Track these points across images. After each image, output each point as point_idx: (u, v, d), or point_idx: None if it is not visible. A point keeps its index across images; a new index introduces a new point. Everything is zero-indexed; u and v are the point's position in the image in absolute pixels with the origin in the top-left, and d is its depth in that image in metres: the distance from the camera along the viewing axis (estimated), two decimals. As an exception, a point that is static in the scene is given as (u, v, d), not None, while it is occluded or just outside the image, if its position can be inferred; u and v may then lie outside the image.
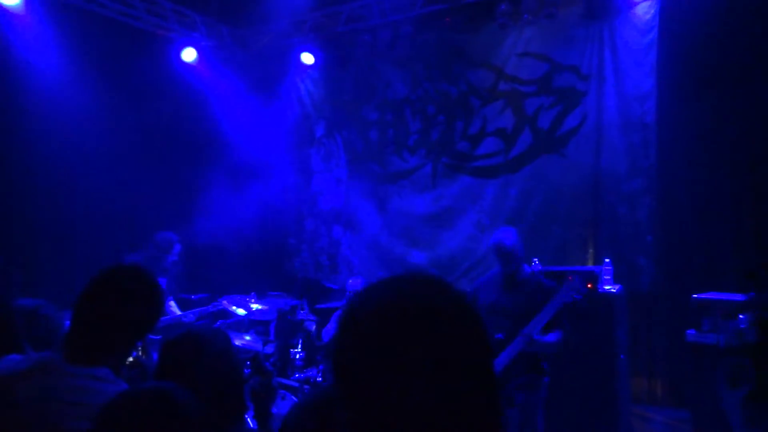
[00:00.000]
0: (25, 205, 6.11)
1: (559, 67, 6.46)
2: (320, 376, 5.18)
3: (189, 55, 7.30)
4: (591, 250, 6.16)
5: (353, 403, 0.88)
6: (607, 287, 4.97)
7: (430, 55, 7.24)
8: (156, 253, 5.38)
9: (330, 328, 5.45)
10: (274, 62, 8.09)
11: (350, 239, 7.90)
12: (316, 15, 7.42)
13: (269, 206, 7.81)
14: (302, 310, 5.82)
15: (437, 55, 7.20)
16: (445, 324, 0.88)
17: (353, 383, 0.88)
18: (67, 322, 1.89)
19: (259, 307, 5.44)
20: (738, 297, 4.42)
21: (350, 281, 5.79)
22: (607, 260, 5.17)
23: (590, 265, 5.90)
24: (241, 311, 5.38)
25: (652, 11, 5.88)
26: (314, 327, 5.70)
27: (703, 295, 4.67)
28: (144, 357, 2.57)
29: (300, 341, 5.49)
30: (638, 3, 5.98)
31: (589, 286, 4.79)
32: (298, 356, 5.37)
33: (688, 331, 4.64)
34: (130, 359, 2.52)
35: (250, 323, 6.05)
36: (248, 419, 2.36)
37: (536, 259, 5.19)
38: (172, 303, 5.57)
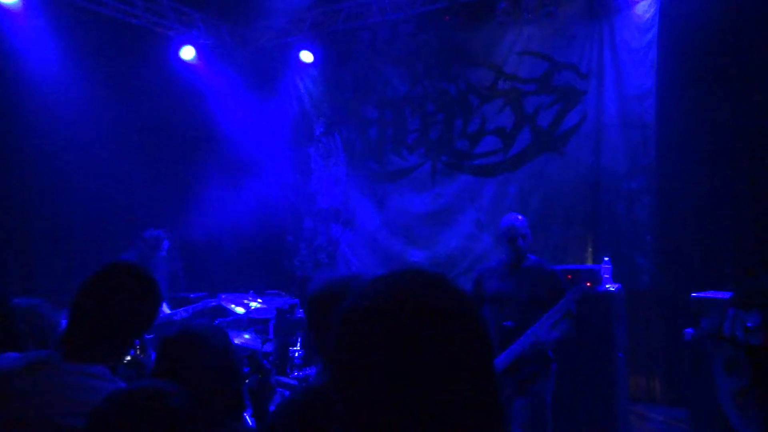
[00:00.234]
0: (22, 203, 6.09)
1: (559, 66, 6.46)
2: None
3: (188, 53, 7.26)
4: (590, 249, 6.17)
5: (350, 400, 0.87)
6: (606, 286, 4.98)
7: (430, 53, 7.23)
8: (145, 250, 5.39)
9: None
10: (273, 60, 8.09)
11: (349, 237, 7.89)
12: (315, 13, 7.41)
13: (268, 204, 7.82)
14: (301, 308, 5.82)
15: (436, 53, 7.20)
16: (445, 321, 0.87)
17: (351, 379, 0.87)
18: (64, 321, 1.88)
19: (258, 305, 5.44)
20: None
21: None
22: (606, 259, 5.16)
23: (589, 263, 5.92)
24: (239, 309, 5.38)
25: (652, 10, 5.88)
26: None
27: (702, 294, 4.66)
28: (142, 355, 2.56)
29: (299, 340, 5.48)
30: (638, 2, 5.99)
31: (588, 284, 4.78)
32: (297, 354, 5.36)
33: (687, 330, 4.64)
34: (128, 358, 2.51)
35: (249, 322, 6.04)
36: (247, 417, 2.35)
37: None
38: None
